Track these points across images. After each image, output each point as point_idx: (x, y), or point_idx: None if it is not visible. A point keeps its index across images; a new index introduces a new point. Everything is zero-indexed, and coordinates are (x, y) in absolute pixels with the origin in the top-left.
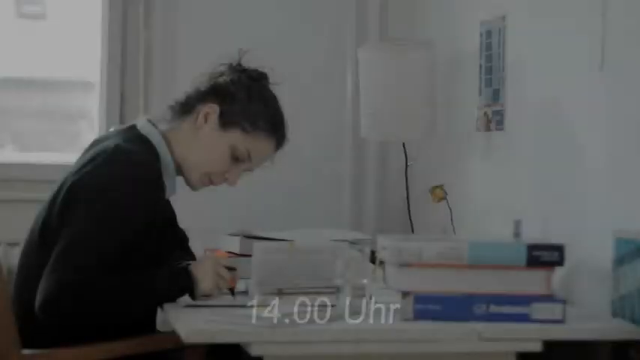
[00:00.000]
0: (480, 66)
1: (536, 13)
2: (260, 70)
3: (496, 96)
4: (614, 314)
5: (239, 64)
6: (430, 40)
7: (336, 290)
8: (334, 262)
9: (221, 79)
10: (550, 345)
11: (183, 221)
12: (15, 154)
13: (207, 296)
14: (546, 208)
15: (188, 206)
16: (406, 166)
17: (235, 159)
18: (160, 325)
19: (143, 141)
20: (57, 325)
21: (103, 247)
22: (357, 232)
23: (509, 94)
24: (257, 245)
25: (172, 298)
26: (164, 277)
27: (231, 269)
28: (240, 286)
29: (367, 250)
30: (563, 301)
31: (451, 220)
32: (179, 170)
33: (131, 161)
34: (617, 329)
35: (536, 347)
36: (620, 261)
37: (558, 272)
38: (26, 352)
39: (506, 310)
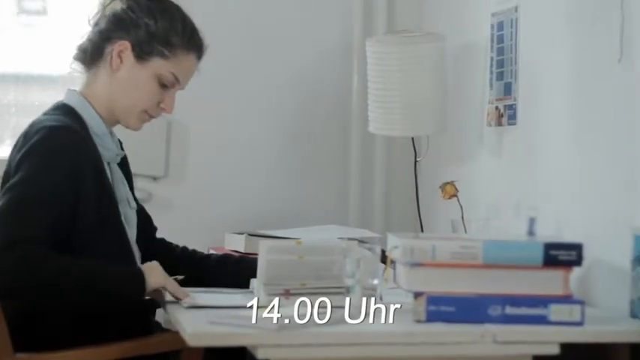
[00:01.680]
0: (491, 59)
1: (550, 3)
2: None
3: (508, 90)
4: (633, 315)
5: None
6: (440, 32)
7: (346, 291)
8: (343, 261)
9: (117, 9)
10: (565, 347)
11: (186, 219)
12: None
13: (158, 293)
14: (561, 205)
15: (190, 204)
16: (415, 161)
17: (164, 86)
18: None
19: (58, 108)
20: None
21: (34, 212)
22: (365, 229)
23: (521, 88)
24: (263, 244)
25: (121, 288)
26: (113, 268)
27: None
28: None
29: (378, 250)
30: (582, 302)
31: (462, 217)
32: (112, 121)
33: (45, 128)
34: (638, 331)
35: (554, 350)
36: (639, 259)
37: (574, 272)
38: (20, 356)
39: (523, 311)
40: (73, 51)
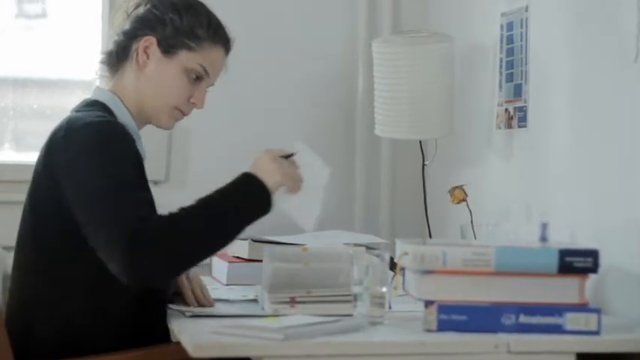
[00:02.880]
0: (501, 60)
1: (561, 2)
2: None
3: (518, 91)
4: None
5: None
6: (447, 32)
7: (354, 299)
8: (351, 268)
9: (141, 10)
10: (581, 357)
11: None
12: (13, 154)
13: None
14: (573, 209)
15: None
16: (423, 165)
17: (193, 80)
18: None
19: (91, 104)
20: (153, 277)
21: (128, 186)
22: (371, 235)
23: (532, 90)
24: (267, 250)
25: (253, 210)
26: (228, 187)
27: (289, 156)
28: (249, 293)
29: (387, 256)
30: (599, 311)
31: (471, 222)
32: (142, 120)
33: (92, 122)
34: None
35: None
36: None
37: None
38: None
39: (538, 320)
40: (99, 56)
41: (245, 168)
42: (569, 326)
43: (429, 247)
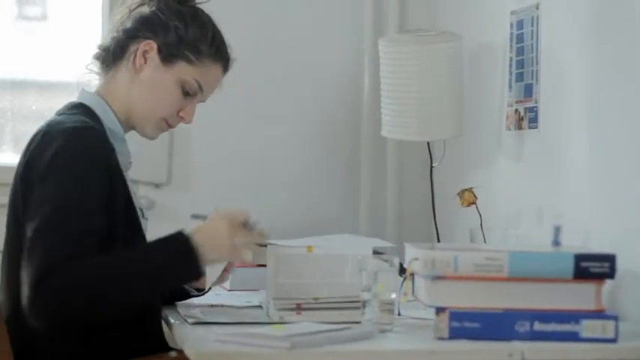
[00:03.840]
0: (510, 59)
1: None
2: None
3: (529, 91)
4: None
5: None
6: (454, 31)
7: (362, 305)
8: (359, 273)
9: (145, 10)
10: None
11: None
12: (13, 156)
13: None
14: (586, 213)
15: (192, 211)
16: (431, 167)
17: (186, 94)
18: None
19: (75, 107)
20: (47, 323)
21: (73, 223)
22: (377, 238)
23: (543, 90)
24: (271, 254)
25: (177, 272)
26: (156, 246)
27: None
28: (253, 299)
29: (396, 262)
30: (616, 318)
31: (481, 226)
32: (128, 126)
33: (69, 128)
34: None
35: None
36: None
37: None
38: None
39: (553, 327)
40: (94, 49)
41: (246, 169)
42: (585, 334)
43: (439, 252)
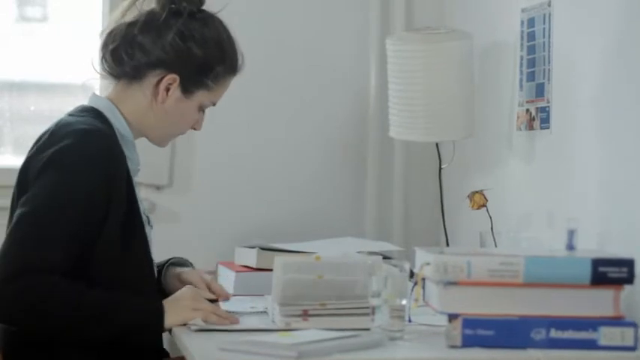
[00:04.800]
0: (521, 58)
1: None
2: None
3: (540, 91)
4: None
5: (172, 0)
6: (464, 29)
7: (371, 312)
8: (368, 279)
9: (167, 36)
10: None
11: (192, 232)
12: (13, 159)
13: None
14: (600, 216)
15: (197, 216)
16: (440, 169)
17: (202, 111)
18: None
19: (86, 110)
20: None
21: (57, 228)
22: (384, 242)
23: (555, 89)
24: (278, 260)
25: (132, 329)
26: (127, 303)
27: (213, 301)
28: (258, 305)
29: (407, 267)
30: (635, 325)
31: (491, 229)
32: (138, 133)
33: (77, 130)
34: None
35: None
36: None
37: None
38: None
39: (570, 335)
40: (106, 54)
41: (249, 171)
42: (603, 341)
43: (452, 257)
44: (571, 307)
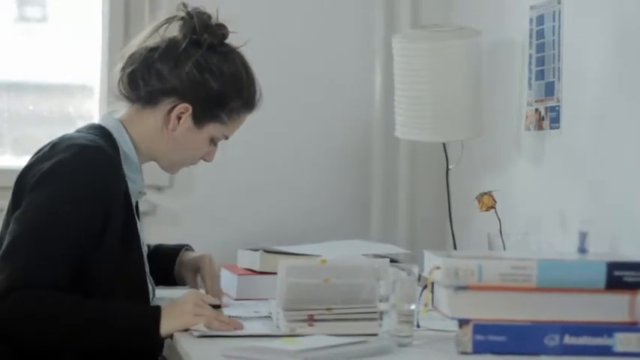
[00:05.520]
0: (530, 56)
1: None
2: (218, 29)
3: (550, 90)
4: None
5: (194, 30)
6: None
7: (379, 317)
8: (375, 283)
9: (185, 65)
10: None
11: (193, 234)
12: (13, 159)
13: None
14: (612, 218)
15: (198, 217)
16: (447, 170)
17: (213, 144)
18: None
19: (94, 127)
20: None
21: (52, 243)
22: (390, 244)
23: (566, 88)
24: (283, 263)
25: (128, 337)
26: (123, 311)
27: (216, 307)
28: (262, 310)
29: (415, 270)
30: None
31: (500, 231)
32: (146, 158)
33: (77, 145)
34: None
35: None
36: None
37: None
38: None
39: (584, 341)
40: (124, 76)
41: (251, 171)
42: (619, 347)
43: (462, 261)
44: (585, 312)
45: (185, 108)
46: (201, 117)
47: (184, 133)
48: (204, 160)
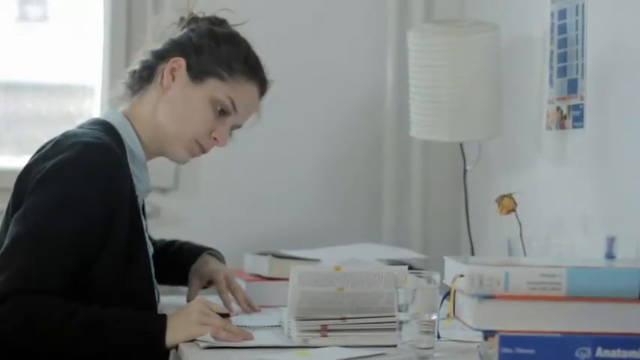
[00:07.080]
0: (551, 52)
1: None
2: (217, 16)
3: (573, 87)
4: None
5: (192, 15)
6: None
7: (398, 327)
8: (393, 291)
9: (180, 35)
10: None
11: (198, 237)
12: (13, 159)
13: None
14: (639, 221)
15: (204, 220)
16: (464, 171)
17: (219, 113)
18: None
19: (97, 123)
20: None
21: (53, 246)
22: (404, 249)
23: (589, 85)
24: (294, 270)
25: (129, 348)
26: (125, 319)
27: (224, 315)
28: (272, 318)
29: (437, 278)
30: None
31: (520, 235)
32: (154, 150)
33: (81, 142)
34: None
35: None
36: None
37: None
38: None
39: (618, 354)
40: (127, 74)
41: (258, 172)
42: None
43: (488, 268)
44: (619, 323)
45: (178, 62)
46: (197, 71)
47: (181, 90)
48: (216, 140)
